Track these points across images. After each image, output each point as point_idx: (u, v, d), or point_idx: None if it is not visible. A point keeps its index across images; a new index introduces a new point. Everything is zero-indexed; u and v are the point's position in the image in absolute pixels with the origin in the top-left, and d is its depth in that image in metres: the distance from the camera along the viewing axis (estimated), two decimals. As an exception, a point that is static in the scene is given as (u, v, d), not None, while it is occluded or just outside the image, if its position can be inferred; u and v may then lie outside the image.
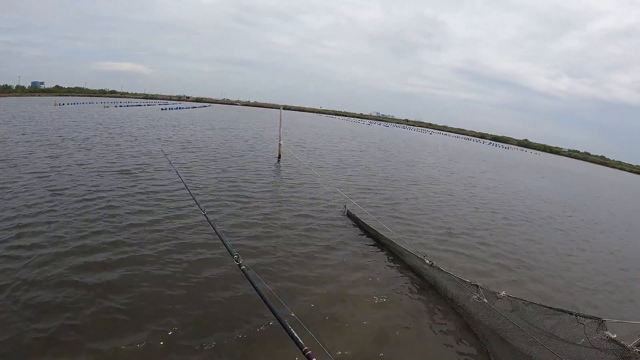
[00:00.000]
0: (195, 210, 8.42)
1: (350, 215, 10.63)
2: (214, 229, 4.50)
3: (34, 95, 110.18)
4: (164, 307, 5.26)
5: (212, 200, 10.64)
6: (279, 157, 19.01)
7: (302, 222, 9.71)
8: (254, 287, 3.11)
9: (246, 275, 3.28)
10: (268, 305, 2.81)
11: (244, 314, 5.25)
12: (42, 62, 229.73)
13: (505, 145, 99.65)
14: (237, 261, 3.47)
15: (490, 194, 18.18)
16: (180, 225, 8.35)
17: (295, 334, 2.41)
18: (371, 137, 47.70)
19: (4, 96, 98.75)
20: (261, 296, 3.00)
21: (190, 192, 7.58)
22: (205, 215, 4.95)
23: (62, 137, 19.24)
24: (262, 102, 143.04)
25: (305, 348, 2.30)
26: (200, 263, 6.72)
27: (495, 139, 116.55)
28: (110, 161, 14.31)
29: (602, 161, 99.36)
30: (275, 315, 2.73)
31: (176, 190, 10.98)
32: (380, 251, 8.55)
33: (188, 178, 12.70)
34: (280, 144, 19.66)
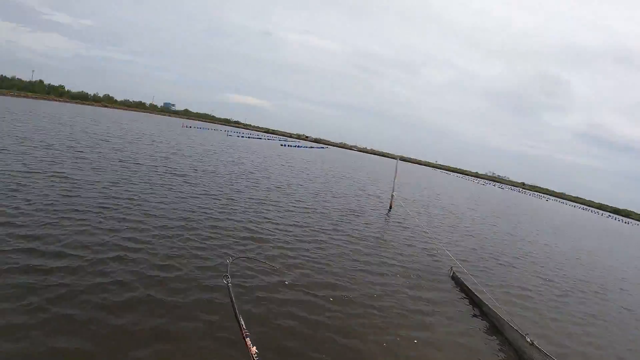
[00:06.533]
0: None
1: (455, 278, 11.15)
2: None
3: (165, 115, 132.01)
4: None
5: (314, 242, 11.81)
6: (390, 208, 20.27)
7: (402, 279, 10.30)
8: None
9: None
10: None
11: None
12: (173, 87, 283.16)
13: (625, 219, 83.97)
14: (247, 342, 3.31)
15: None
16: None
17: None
18: (488, 199, 45.22)
19: (137, 111, 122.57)
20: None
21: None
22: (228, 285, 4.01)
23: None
24: (378, 149, 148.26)
25: None
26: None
27: (616, 211, 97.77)
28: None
29: None
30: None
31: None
32: (481, 320, 8.81)
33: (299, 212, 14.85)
34: (392, 195, 20.88)
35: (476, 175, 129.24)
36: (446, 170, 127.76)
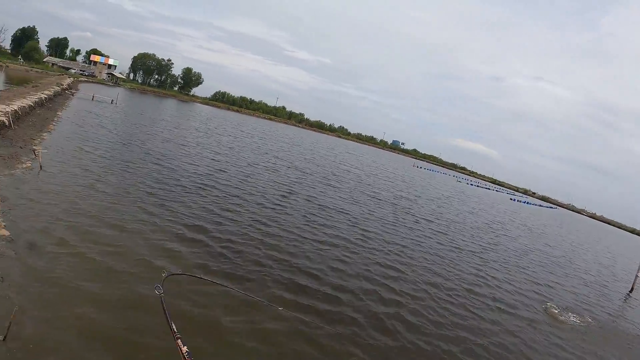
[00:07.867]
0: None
1: None
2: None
3: (394, 152, 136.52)
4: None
5: (538, 313, 11.58)
6: (632, 289, 19.63)
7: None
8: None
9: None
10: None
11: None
12: (402, 125, 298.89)
13: None
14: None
15: None
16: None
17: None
18: None
19: (369, 145, 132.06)
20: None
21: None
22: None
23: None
24: (609, 218, 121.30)
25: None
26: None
27: None
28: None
29: None
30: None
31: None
32: None
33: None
34: (637, 275, 20.05)
35: None
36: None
